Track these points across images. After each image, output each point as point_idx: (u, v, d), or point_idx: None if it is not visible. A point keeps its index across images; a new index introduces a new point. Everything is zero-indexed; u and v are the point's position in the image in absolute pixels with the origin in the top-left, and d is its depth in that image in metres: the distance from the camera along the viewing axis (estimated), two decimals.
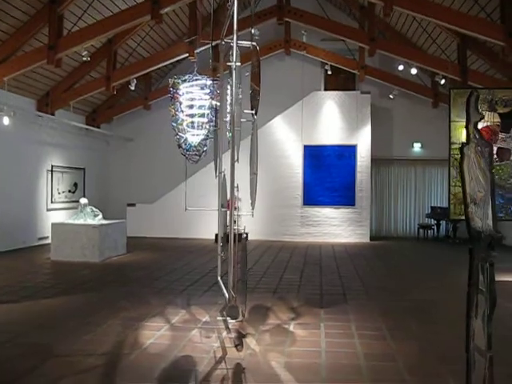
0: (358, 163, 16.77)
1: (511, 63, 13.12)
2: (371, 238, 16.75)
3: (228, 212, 5.65)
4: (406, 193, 18.47)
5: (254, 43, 6.06)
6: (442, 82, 14.38)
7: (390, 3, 10.51)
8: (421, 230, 17.54)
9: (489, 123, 10.73)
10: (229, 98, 6.87)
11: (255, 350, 5.35)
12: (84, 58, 12.15)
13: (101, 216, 12.42)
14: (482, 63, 14.06)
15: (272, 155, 16.44)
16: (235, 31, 5.88)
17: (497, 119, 10.72)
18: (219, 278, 7.05)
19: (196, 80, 13.30)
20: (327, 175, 16.60)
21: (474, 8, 11.61)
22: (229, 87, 6.89)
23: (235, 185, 6.11)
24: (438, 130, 17.43)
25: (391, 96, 16.90)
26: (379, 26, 15.16)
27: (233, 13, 5.94)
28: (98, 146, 17.84)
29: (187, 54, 14.13)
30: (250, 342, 5.64)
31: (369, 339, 5.86)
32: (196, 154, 13.65)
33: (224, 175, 7.15)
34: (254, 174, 6.19)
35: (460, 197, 10.72)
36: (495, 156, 10.69)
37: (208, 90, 13.43)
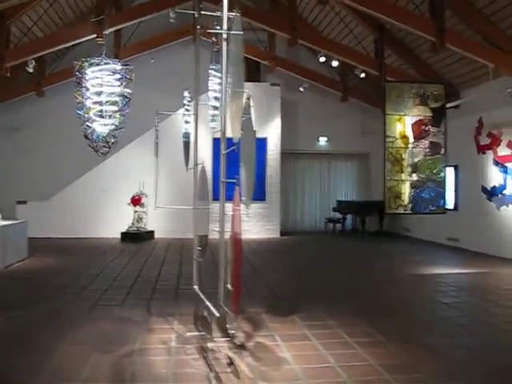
0: (268, 157, 16.37)
1: (425, 60, 13.42)
2: (281, 233, 16.44)
3: (232, 210, 4.74)
4: (312, 187, 18.38)
5: (238, 12, 5.08)
6: (362, 75, 14.31)
7: None
8: (328, 224, 17.54)
9: (421, 117, 10.75)
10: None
11: (259, 377, 4.58)
12: None
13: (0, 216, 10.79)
14: (395, 58, 14.20)
15: (177, 148, 15.45)
16: None
17: (428, 113, 10.77)
18: (196, 287, 6.12)
19: (106, 64, 12.07)
20: (237, 169, 15.92)
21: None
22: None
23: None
24: (346, 124, 17.58)
25: (301, 89, 16.60)
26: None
27: None
28: None
29: (94, 35, 12.69)
30: (244, 364, 4.84)
31: (370, 347, 5.35)
32: (105, 146, 12.42)
33: (203, 167, 6.21)
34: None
35: (395, 191, 10.65)
36: (427, 150, 10.74)
37: (119, 76, 12.27)
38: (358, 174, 18.58)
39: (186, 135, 7.39)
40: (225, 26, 4.91)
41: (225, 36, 4.88)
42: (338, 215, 17.56)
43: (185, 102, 7.36)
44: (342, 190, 18.51)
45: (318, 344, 5.48)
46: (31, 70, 13.26)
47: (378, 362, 4.91)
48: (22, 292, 8.04)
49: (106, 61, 11.56)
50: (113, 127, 12.00)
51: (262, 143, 16.12)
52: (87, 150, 11.65)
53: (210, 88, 7.21)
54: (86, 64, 11.45)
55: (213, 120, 7.33)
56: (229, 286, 4.85)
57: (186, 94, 7.34)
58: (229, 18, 4.90)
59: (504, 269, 10.57)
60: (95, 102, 11.79)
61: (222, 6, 4.96)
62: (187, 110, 7.36)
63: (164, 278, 9.31)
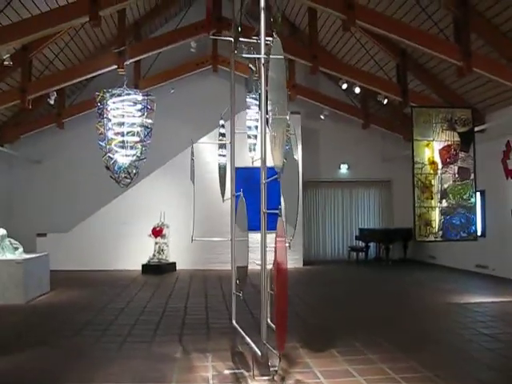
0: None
1: (448, 84, 13.27)
2: (304, 263, 16.12)
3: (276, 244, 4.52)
4: (334, 215, 18.14)
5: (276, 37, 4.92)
6: (385, 101, 14.17)
7: (352, 17, 9.98)
8: (351, 253, 17.23)
9: (449, 142, 10.54)
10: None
11: None
12: (6, 63, 10.30)
13: (21, 249, 10.63)
14: (417, 83, 14.06)
15: (202, 179, 15.32)
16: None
17: (457, 138, 10.56)
18: (234, 322, 5.85)
19: (127, 95, 12.01)
20: (258, 199, 15.68)
21: (426, 23, 11.43)
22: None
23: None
24: (367, 152, 17.39)
25: (322, 117, 16.52)
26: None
27: None
28: (1, 168, 15.70)
29: (115, 66, 12.71)
30: None
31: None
32: (126, 177, 12.30)
33: (242, 197, 6.02)
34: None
35: (425, 218, 10.38)
36: (456, 175, 10.50)
37: (140, 106, 12.20)
38: (379, 201, 18.31)
39: (223, 165, 7.22)
40: (263, 51, 4.77)
41: (263, 61, 4.74)
42: (361, 243, 17.25)
43: (222, 130, 7.19)
44: (365, 217, 18.23)
45: (362, 381, 5.19)
46: (52, 102, 13.29)
47: None
48: (48, 327, 7.81)
49: (127, 91, 11.61)
50: (134, 158, 12.00)
51: (274, 173, 15.89)
52: (107, 182, 11.64)
53: (248, 118, 7.04)
54: (108, 95, 11.49)
55: (251, 149, 7.16)
56: (269, 321, 4.61)
57: (221, 122, 7.17)
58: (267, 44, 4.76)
59: None
60: (117, 133, 11.78)
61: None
62: (222, 138, 7.19)
63: (191, 311, 9.05)
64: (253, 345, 4.90)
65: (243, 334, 5.28)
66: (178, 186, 15.25)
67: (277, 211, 4.66)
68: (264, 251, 4.85)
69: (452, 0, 10.32)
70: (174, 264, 15.34)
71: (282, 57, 4.54)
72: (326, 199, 18.10)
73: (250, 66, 5.09)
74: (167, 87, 15.50)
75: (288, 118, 4.59)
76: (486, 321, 8.14)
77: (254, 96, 6.73)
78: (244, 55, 5.11)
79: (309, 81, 16.47)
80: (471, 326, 7.87)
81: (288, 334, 6.90)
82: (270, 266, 4.86)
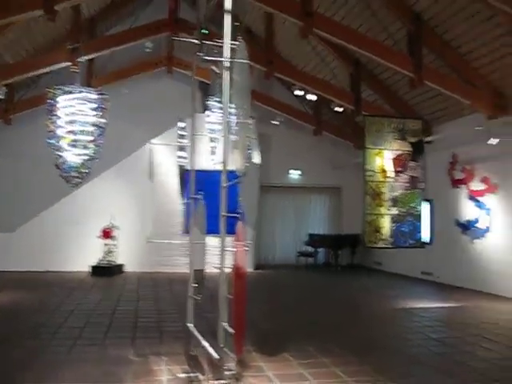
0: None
1: (401, 95, 13.62)
2: (255, 267, 16.17)
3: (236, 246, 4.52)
4: (284, 220, 18.26)
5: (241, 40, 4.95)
6: (340, 109, 14.39)
7: (310, 25, 10.12)
8: (300, 258, 17.39)
9: (400, 151, 10.83)
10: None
11: None
12: None
13: None
14: (370, 93, 14.37)
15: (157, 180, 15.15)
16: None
17: (408, 148, 10.86)
18: (191, 325, 5.77)
19: (80, 92, 11.75)
20: (210, 202, 15.60)
21: (381, 35, 11.72)
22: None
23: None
24: (318, 158, 17.60)
25: (275, 122, 16.63)
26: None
27: None
28: None
29: (69, 63, 12.39)
30: None
31: None
32: (77, 177, 12.03)
33: (201, 201, 5.97)
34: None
35: (375, 224, 10.61)
36: (407, 184, 10.80)
37: (94, 105, 11.96)
38: (329, 207, 18.57)
39: (183, 167, 7.18)
40: (227, 54, 4.76)
41: (227, 65, 4.74)
42: (310, 249, 17.44)
43: (181, 132, 7.14)
44: (315, 223, 18.43)
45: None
46: (2, 96, 12.80)
47: None
48: None
49: (80, 89, 11.37)
50: (86, 157, 11.74)
51: (235, 176, 15.88)
52: (56, 181, 11.38)
53: (209, 121, 7.04)
54: (59, 92, 11.23)
55: (212, 152, 7.16)
56: (225, 324, 4.61)
57: (181, 124, 7.12)
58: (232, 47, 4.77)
59: (479, 302, 10.59)
60: (68, 132, 11.52)
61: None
62: (181, 140, 7.15)
63: (143, 314, 8.94)
64: (209, 348, 4.88)
65: (199, 337, 5.25)
66: (129, 188, 15.07)
67: (237, 215, 4.67)
68: (223, 254, 4.84)
69: (407, 14, 10.63)
70: (122, 266, 15.10)
71: (247, 60, 4.56)
72: (276, 204, 18.20)
73: (214, 68, 5.08)
74: (120, 87, 15.24)
75: (251, 122, 4.61)
76: (434, 325, 8.43)
77: (217, 99, 6.74)
78: (208, 58, 5.09)
79: (262, 86, 16.57)
80: (419, 330, 8.11)
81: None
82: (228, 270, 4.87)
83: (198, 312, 5.84)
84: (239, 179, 4.78)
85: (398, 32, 11.33)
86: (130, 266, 15.22)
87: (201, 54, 5.11)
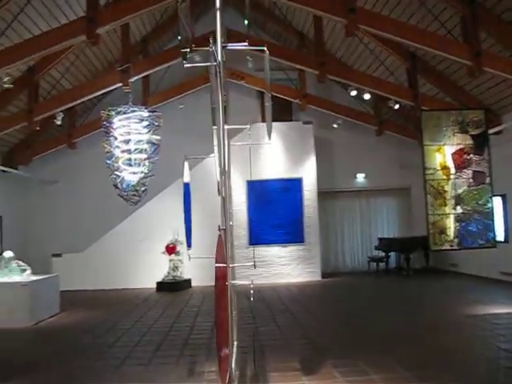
0: (305, 197, 15.77)
1: (462, 86, 12.82)
2: (322, 276, 15.71)
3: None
4: (352, 225, 17.71)
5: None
6: (396, 107, 13.77)
7: (353, 21, 9.68)
8: (371, 263, 16.74)
9: (461, 146, 10.11)
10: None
11: None
12: (5, 85, 10.23)
13: (29, 271, 10.54)
14: (430, 87, 13.65)
15: (213, 193, 15.06)
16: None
17: (469, 141, 10.12)
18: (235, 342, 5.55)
19: (132, 112, 11.87)
20: (273, 211, 15.41)
21: (433, 24, 11.08)
22: None
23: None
24: (383, 159, 16.97)
25: (335, 125, 16.16)
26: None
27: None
28: (16, 190, 15.74)
29: (120, 84, 12.60)
30: None
31: None
32: (135, 195, 12.13)
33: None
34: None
35: (440, 225, 9.94)
36: (471, 180, 10.04)
37: (146, 123, 12.04)
38: (398, 209, 17.82)
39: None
40: (219, 58, 4.66)
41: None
42: (381, 253, 16.76)
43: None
44: (384, 226, 17.75)
45: None
46: (59, 123, 13.20)
47: None
48: (47, 351, 7.64)
49: (132, 108, 11.49)
50: (142, 175, 11.83)
51: (297, 183, 15.59)
52: (119, 200, 11.58)
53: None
54: (113, 113, 11.40)
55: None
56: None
57: None
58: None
59: None
60: (123, 151, 11.67)
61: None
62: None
63: (197, 331, 8.76)
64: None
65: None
66: (193, 202, 15.06)
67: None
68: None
69: None
70: (190, 281, 15.08)
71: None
72: (343, 209, 17.69)
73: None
74: (176, 103, 15.37)
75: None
76: None
77: None
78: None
79: (321, 90, 16.22)
80: (494, 341, 7.32)
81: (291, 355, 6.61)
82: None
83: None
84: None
85: (450, 19, 10.64)
86: (199, 281, 15.16)
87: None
